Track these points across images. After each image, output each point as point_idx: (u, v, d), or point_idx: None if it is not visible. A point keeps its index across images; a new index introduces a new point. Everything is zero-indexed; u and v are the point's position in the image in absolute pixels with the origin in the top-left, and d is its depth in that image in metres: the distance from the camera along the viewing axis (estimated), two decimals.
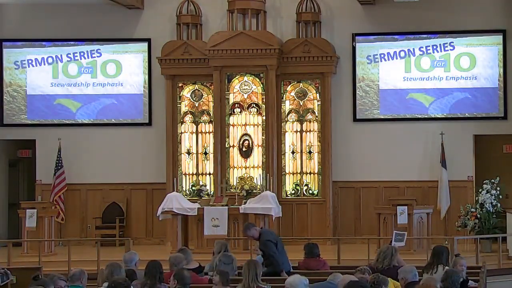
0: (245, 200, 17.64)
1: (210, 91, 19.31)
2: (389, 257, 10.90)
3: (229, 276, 9.57)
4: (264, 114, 19.05)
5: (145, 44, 19.76)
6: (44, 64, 19.94)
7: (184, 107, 19.45)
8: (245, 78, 19.16)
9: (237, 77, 19.14)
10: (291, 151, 19.25)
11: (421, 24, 19.14)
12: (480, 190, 17.74)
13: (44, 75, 19.91)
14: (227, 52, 18.79)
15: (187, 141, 19.43)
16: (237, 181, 18.88)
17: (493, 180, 17.55)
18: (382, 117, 19.28)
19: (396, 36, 19.26)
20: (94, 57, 19.90)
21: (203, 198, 18.20)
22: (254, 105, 19.13)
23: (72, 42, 19.90)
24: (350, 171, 19.23)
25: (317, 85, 19.20)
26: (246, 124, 19.15)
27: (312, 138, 19.23)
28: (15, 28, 19.98)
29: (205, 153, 19.36)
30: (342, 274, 9.37)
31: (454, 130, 18.94)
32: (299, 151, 19.22)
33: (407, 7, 18.91)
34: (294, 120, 19.28)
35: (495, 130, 18.96)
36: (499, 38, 18.91)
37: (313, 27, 19.28)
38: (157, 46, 19.45)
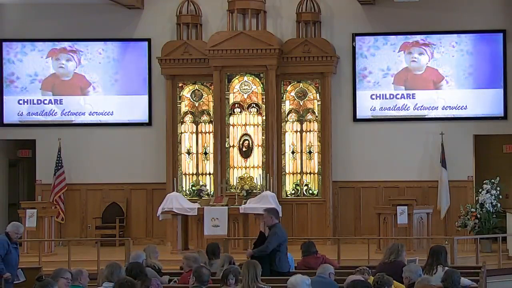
0: (245, 200, 17.64)
1: (210, 91, 19.31)
2: (396, 252, 11.00)
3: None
4: (264, 114, 19.04)
5: (145, 44, 19.75)
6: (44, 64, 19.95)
7: (184, 107, 19.45)
8: (245, 78, 19.15)
9: (237, 77, 19.13)
10: (291, 151, 19.24)
11: (421, 24, 19.12)
12: (480, 190, 17.74)
13: (44, 74, 19.89)
14: (227, 52, 18.78)
15: (187, 141, 19.42)
16: (237, 181, 18.87)
17: (493, 180, 17.55)
18: (382, 117, 19.26)
19: (396, 36, 19.24)
20: (94, 57, 19.89)
21: (203, 198, 18.19)
22: (254, 105, 19.13)
23: (72, 42, 19.89)
24: (350, 171, 19.23)
25: (317, 85, 19.19)
26: (246, 124, 19.14)
27: (312, 138, 19.22)
28: (15, 28, 19.97)
29: (205, 153, 19.35)
30: (341, 274, 9.36)
31: (454, 130, 18.92)
32: (299, 151, 19.21)
33: (407, 7, 18.90)
34: (294, 120, 19.27)
35: (495, 130, 18.95)
36: (499, 38, 18.90)
37: (313, 27, 19.27)
38: (157, 46, 19.44)
